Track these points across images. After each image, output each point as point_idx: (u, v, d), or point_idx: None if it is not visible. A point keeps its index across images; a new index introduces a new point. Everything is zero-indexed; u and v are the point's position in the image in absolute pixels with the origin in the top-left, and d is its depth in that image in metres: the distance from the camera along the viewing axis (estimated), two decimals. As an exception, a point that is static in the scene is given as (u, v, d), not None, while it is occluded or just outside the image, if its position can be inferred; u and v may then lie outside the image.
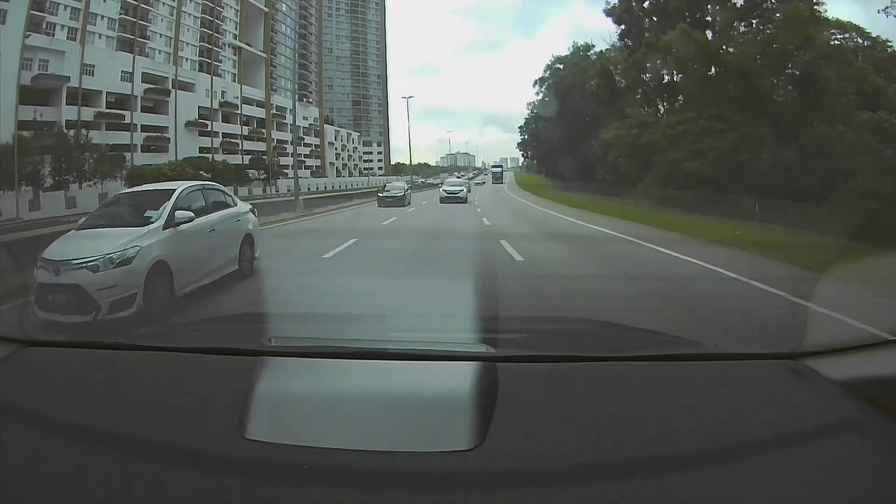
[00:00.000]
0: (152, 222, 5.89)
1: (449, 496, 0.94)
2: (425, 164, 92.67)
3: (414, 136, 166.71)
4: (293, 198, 24.46)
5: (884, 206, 14.52)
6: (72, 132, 35.40)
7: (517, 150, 56.40)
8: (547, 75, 37.36)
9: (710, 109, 19.96)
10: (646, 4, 23.59)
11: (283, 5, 63.78)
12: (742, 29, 21.05)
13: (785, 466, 1.00)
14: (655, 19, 22.92)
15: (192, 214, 6.29)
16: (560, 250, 10.84)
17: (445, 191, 28.56)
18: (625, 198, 23.10)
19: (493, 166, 71.86)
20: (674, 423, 1.13)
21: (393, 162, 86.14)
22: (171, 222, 6.04)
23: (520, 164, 69.69)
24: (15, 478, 0.99)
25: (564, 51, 29.53)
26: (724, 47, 20.62)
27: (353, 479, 0.97)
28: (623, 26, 25.99)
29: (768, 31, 19.26)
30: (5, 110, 34.07)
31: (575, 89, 30.00)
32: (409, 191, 27.60)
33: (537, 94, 40.61)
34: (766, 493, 0.95)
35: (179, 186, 6.76)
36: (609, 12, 26.56)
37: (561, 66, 35.39)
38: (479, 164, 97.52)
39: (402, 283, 6.68)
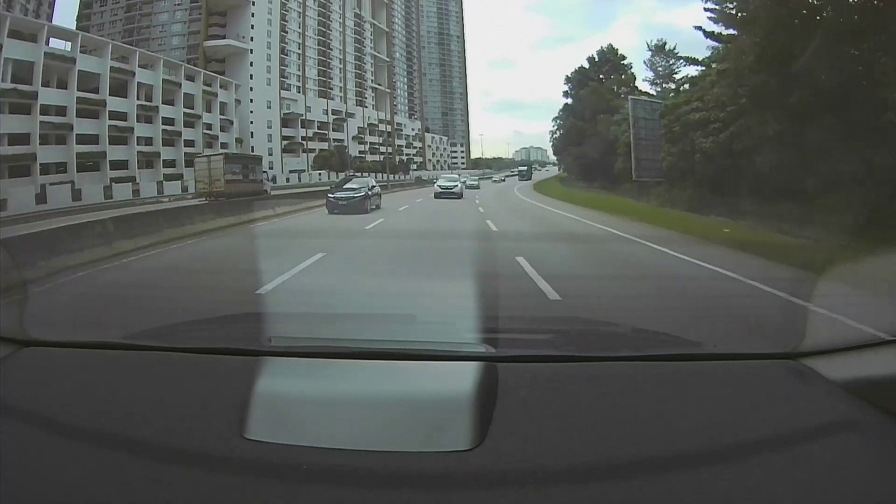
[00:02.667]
0: None
1: (449, 496, 0.95)
2: (498, 158, 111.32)
3: (489, 129, 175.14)
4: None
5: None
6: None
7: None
8: (560, 114, 57.26)
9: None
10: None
11: (397, 54, 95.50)
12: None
13: (785, 466, 1.00)
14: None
15: None
16: (508, 206, 23.56)
17: (440, 186, 28.15)
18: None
19: (519, 166, 76.21)
20: (674, 423, 1.13)
21: (473, 157, 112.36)
22: None
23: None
24: (15, 478, 0.99)
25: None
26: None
27: (353, 479, 0.97)
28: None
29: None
30: (275, 132, 67.52)
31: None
32: (375, 188, 21.73)
33: (553, 125, 58.79)
34: (766, 493, 0.95)
35: None
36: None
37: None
38: (552, 157, 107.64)
39: (403, 283, 6.66)
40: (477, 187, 35.96)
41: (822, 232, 12.12)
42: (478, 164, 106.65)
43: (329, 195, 19.84)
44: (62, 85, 37.79)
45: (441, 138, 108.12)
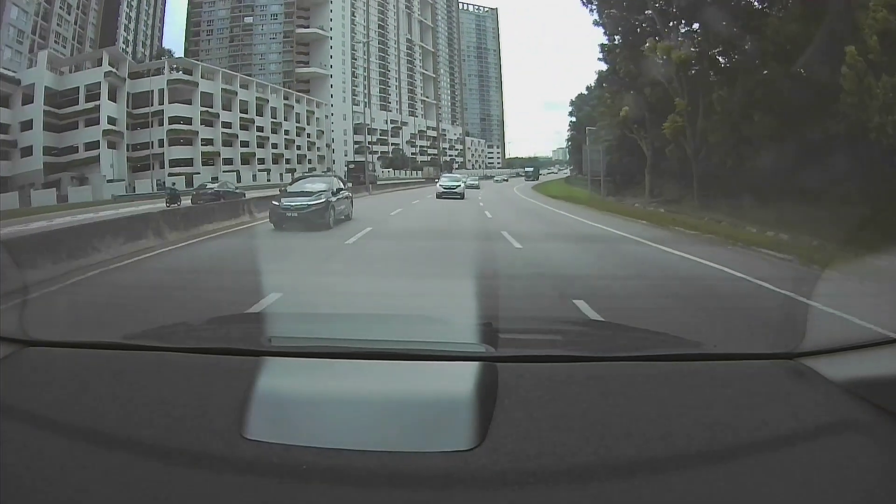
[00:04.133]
0: None
1: (449, 496, 0.95)
2: (534, 158, 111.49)
3: (532, 128, 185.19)
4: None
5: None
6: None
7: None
8: (568, 126, 67.36)
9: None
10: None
11: (441, 70, 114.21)
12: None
13: (785, 466, 1.00)
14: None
15: None
16: (502, 200, 29.09)
17: (443, 186, 28.52)
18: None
19: (525, 167, 75.31)
20: (674, 423, 1.13)
21: (509, 157, 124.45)
22: None
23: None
24: (15, 478, 0.99)
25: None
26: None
27: (353, 479, 0.97)
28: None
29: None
30: (349, 139, 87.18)
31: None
32: (341, 192, 15.42)
33: (568, 136, 68.55)
34: (767, 493, 0.95)
35: None
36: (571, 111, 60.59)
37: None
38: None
39: (402, 283, 6.73)
40: (477, 187, 38.36)
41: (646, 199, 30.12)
42: (512, 164, 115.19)
43: (273, 202, 14.10)
44: (227, 108, 58.06)
45: (479, 141, 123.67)
